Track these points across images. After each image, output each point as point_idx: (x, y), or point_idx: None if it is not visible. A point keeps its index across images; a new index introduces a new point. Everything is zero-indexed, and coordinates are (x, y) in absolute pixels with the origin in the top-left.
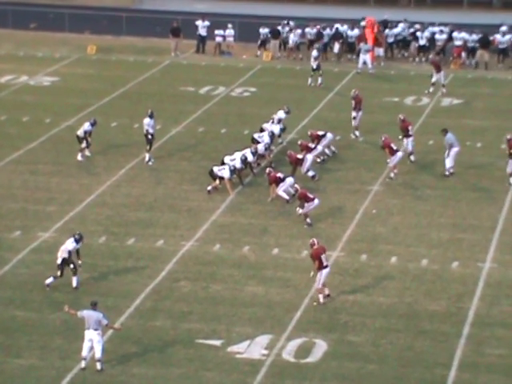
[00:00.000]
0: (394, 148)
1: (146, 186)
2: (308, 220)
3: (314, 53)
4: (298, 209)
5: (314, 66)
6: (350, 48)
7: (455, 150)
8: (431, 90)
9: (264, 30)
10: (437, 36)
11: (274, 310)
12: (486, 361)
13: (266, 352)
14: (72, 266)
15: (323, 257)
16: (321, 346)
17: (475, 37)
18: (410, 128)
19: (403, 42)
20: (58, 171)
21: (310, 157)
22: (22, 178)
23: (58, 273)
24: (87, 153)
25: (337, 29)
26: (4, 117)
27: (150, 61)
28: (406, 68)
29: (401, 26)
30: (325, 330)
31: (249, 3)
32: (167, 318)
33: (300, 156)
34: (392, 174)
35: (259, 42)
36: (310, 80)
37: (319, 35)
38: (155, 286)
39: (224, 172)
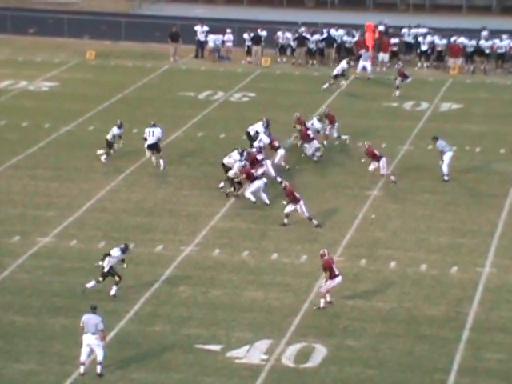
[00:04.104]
0: (378, 154)
1: (146, 191)
2: (285, 220)
3: (344, 64)
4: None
5: (335, 73)
6: (349, 53)
7: (449, 154)
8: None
9: (249, 36)
10: (436, 41)
11: (273, 314)
12: (485, 366)
13: (265, 357)
14: (117, 277)
15: (334, 266)
16: (320, 351)
17: (473, 42)
18: (375, 152)
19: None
20: (57, 176)
21: (268, 162)
22: (21, 183)
23: (101, 279)
24: (104, 158)
25: (328, 33)
26: (3, 122)
27: (148, 66)
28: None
29: (404, 30)
30: (324, 335)
31: (248, 8)
32: (166, 322)
33: (259, 157)
34: (393, 177)
35: (246, 48)
36: (326, 85)
37: (302, 39)
38: (154, 291)
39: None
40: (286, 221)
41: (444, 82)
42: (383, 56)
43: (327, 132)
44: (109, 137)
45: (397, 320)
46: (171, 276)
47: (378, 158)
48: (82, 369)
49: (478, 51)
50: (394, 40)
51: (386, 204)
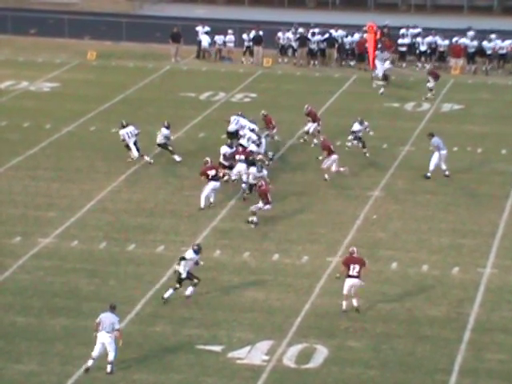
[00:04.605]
0: (332, 149)
1: (147, 192)
2: (254, 218)
3: (387, 64)
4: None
5: (380, 75)
6: (351, 54)
7: (443, 153)
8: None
9: (248, 36)
10: (439, 42)
11: (274, 315)
12: (486, 366)
13: (266, 358)
14: (196, 279)
15: (352, 266)
16: (321, 352)
17: (475, 43)
18: (331, 147)
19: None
20: (58, 177)
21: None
22: (22, 184)
23: (178, 285)
24: (177, 158)
25: (330, 34)
26: (4, 122)
27: (150, 66)
28: (406, 74)
29: (402, 31)
30: (325, 336)
31: (249, 9)
32: (168, 323)
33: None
34: (326, 176)
35: (244, 49)
36: (382, 89)
37: (303, 40)
38: (156, 292)
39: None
40: (255, 219)
41: (445, 83)
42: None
43: (311, 130)
44: (159, 140)
45: (398, 320)
46: (172, 277)
47: (331, 153)
48: (90, 362)
49: (480, 52)
50: (401, 40)
51: (387, 205)
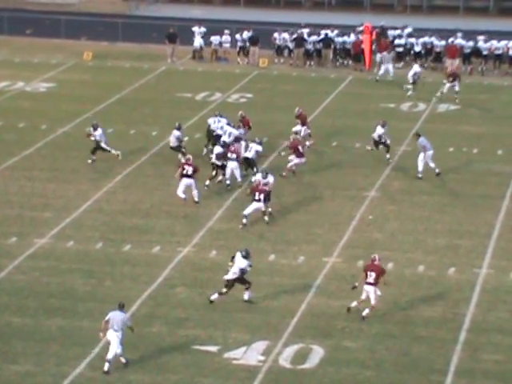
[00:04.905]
0: (301, 151)
1: (143, 193)
2: (244, 221)
3: (417, 68)
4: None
5: (411, 80)
6: (346, 54)
7: (430, 153)
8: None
9: (241, 37)
10: (435, 42)
11: (270, 316)
12: (482, 367)
13: (262, 358)
14: (247, 284)
15: (369, 273)
16: (317, 352)
17: (471, 43)
18: (299, 148)
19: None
20: (54, 177)
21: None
22: (18, 184)
23: (224, 289)
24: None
25: (326, 35)
26: (0, 123)
27: (146, 67)
28: (402, 74)
29: (397, 32)
30: (321, 336)
31: (245, 9)
32: (164, 324)
33: (188, 167)
34: (284, 173)
35: (238, 49)
36: (410, 92)
37: (300, 40)
38: (152, 293)
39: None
40: (244, 220)
41: (441, 83)
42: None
43: (302, 133)
44: (172, 143)
45: (394, 321)
46: (168, 277)
47: (299, 155)
48: (106, 366)
49: (476, 52)
50: (398, 41)
51: (383, 205)
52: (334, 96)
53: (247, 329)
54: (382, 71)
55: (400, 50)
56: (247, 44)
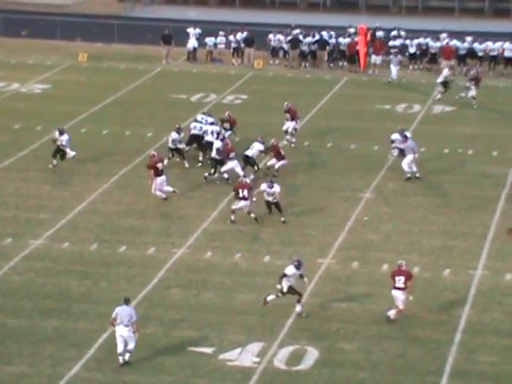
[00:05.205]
0: (282, 153)
1: (138, 194)
2: (232, 217)
3: (446, 72)
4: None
5: (440, 80)
6: (341, 55)
7: (415, 156)
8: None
9: (234, 38)
10: (430, 43)
11: (265, 317)
12: (477, 368)
13: (257, 359)
14: (298, 295)
15: (398, 278)
16: (312, 354)
17: (466, 45)
18: (281, 151)
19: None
20: (49, 179)
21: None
22: (13, 186)
23: (280, 294)
24: (186, 164)
25: (321, 36)
26: None
27: (141, 68)
28: (398, 75)
29: (393, 33)
30: (316, 338)
31: (240, 10)
32: (159, 325)
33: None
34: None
35: (232, 50)
36: (439, 95)
37: (295, 42)
38: (147, 294)
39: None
40: (233, 217)
41: (436, 85)
42: (375, 58)
43: (290, 129)
44: (170, 144)
45: (389, 322)
46: (163, 278)
47: (281, 158)
48: (120, 359)
49: (471, 54)
50: (393, 42)
51: (378, 206)
52: (329, 97)
53: (242, 330)
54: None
55: (395, 51)
56: (241, 45)
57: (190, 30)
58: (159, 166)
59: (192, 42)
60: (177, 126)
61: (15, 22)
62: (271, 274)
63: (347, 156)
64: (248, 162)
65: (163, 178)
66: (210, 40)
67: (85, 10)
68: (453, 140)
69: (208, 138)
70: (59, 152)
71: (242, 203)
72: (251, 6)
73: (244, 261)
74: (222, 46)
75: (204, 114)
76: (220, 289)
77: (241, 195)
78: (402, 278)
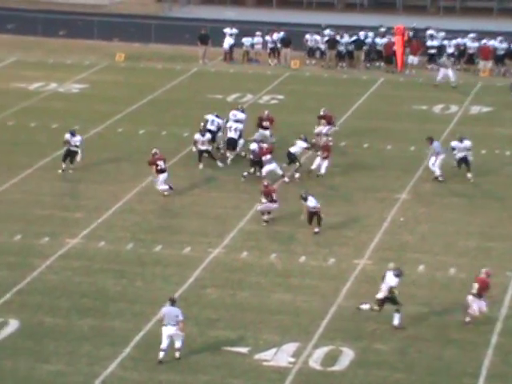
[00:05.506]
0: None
1: (174, 193)
2: (265, 217)
3: None
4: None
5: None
6: (378, 56)
7: (441, 157)
8: None
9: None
10: (468, 44)
11: (300, 317)
12: None
13: (292, 360)
14: (397, 305)
15: (474, 285)
16: (348, 354)
17: (505, 45)
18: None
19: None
20: (85, 178)
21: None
22: (50, 185)
23: (376, 307)
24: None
25: (358, 36)
26: (33, 124)
27: (178, 68)
28: (435, 76)
29: (429, 32)
30: (352, 338)
31: (277, 11)
32: (194, 324)
33: (160, 162)
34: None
35: (268, 51)
36: None
37: (333, 42)
38: (182, 293)
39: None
40: (265, 217)
41: (474, 85)
42: (412, 59)
43: (324, 132)
44: (201, 146)
45: (425, 324)
46: (199, 278)
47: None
48: (161, 355)
49: (510, 54)
50: (431, 42)
51: (414, 207)
52: (366, 98)
53: (278, 330)
54: (440, 76)
55: (433, 51)
56: (278, 45)
57: (227, 30)
58: (160, 163)
59: (228, 42)
60: (202, 124)
61: (53, 22)
62: (307, 274)
63: (383, 157)
64: (291, 158)
65: (165, 175)
66: (246, 40)
67: (121, 10)
68: (490, 141)
69: (231, 134)
70: (69, 155)
71: (273, 206)
72: (288, 6)
73: (280, 261)
74: (259, 47)
75: (237, 109)
76: (256, 289)
77: (269, 199)
78: (476, 285)
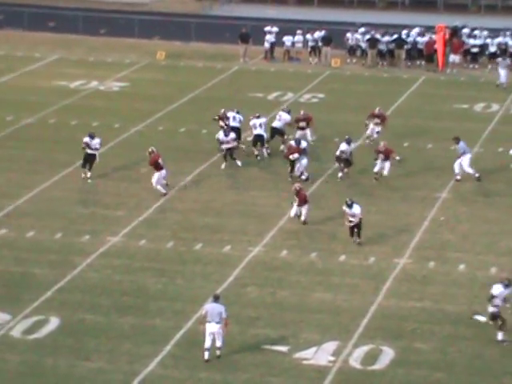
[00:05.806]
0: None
1: (215, 192)
2: (303, 218)
3: None
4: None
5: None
6: (419, 54)
7: (469, 156)
8: None
9: (312, 37)
10: (510, 43)
11: (341, 316)
12: None
13: (332, 358)
14: (500, 320)
15: None
16: (388, 353)
17: None
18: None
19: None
20: (127, 176)
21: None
22: (91, 183)
23: (491, 322)
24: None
25: (399, 35)
26: (74, 122)
27: (218, 67)
28: (476, 75)
29: (476, 32)
30: (392, 337)
31: (318, 9)
32: (234, 323)
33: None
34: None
35: (309, 49)
36: None
37: (374, 41)
38: (222, 291)
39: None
40: (303, 218)
41: None
42: (454, 58)
43: (370, 131)
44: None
45: (466, 323)
46: (239, 276)
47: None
48: (206, 355)
49: None
50: (473, 41)
51: (455, 206)
52: (407, 96)
53: (318, 329)
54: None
55: (475, 50)
56: (319, 44)
57: (268, 29)
58: (160, 161)
59: (269, 41)
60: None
61: (94, 21)
62: (347, 273)
63: (424, 155)
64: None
65: (163, 172)
66: (287, 39)
67: (162, 8)
68: None
69: (256, 131)
70: (87, 161)
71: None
72: (329, 4)
73: (320, 260)
74: (300, 45)
75: (283, 110)
76: (296, 287)
77: (307, 199)
78: None
